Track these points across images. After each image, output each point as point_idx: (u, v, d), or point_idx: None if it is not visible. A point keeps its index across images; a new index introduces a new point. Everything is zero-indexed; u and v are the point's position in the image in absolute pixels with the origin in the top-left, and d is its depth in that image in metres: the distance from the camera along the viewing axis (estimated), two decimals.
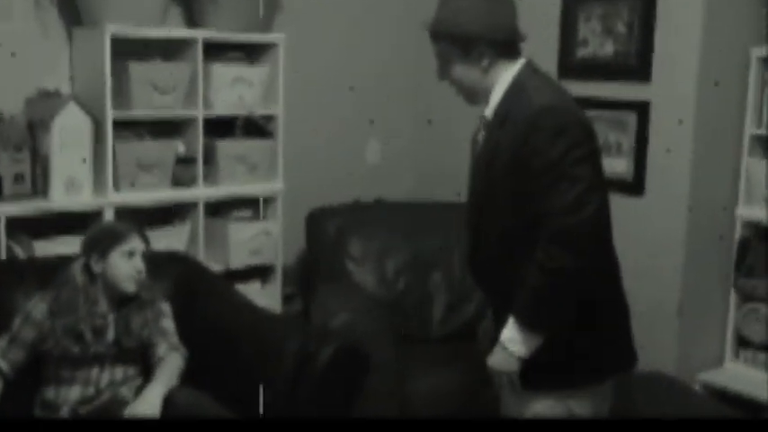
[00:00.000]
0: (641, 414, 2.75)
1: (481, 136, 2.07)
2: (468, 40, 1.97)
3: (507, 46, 2.00)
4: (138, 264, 2.45)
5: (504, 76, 2.00)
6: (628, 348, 2.10)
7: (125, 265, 2.42)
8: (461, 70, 2.01)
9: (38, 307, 2.42)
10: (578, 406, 2.02)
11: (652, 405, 2.85)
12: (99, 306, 2.42)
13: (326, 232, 3.42)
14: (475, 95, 2.05)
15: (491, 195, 2.00)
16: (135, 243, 2.46)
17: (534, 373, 1.96)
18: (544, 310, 1.92)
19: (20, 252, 2.81)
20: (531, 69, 2.03)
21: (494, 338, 2.05)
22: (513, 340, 1.94)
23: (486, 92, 2.03)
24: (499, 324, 2.04)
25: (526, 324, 1.92)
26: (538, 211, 1.90)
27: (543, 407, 2.01)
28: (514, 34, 2.02)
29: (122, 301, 2.46)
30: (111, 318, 2.44)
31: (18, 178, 2.80)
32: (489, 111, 2.03)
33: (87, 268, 2.44)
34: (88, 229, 2.57)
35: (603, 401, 2.08)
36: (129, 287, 2.44)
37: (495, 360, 1.98)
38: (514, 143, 1.93)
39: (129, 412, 2.27)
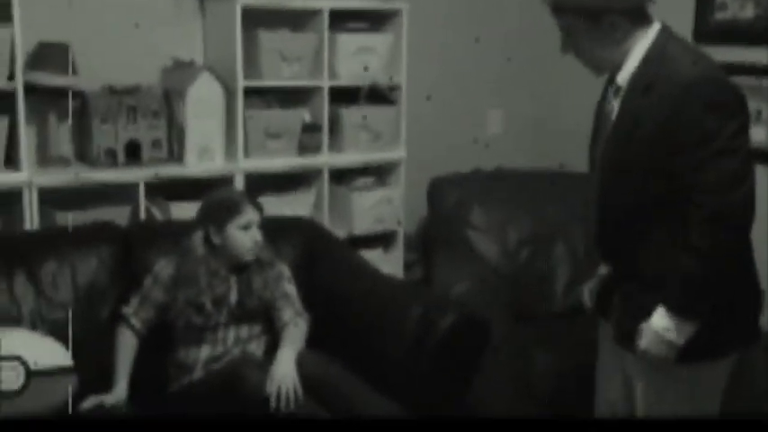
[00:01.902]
0: None
1: (613, 105, 1.99)
2: (598, 11, 1.88)
3: (638, 11, 1.91)
4: (256, 234, 2.50)
5: (641, 42, 1.91)
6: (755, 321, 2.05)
7: (243, 237, 2.48)
8: (591, 43, 1.92)
9: (165, 269, 2.52)
10: (717, 375, 2.01)
11: None
12: (220, 273, 2.50)
13: (448, 201, 3.41)
14: (607, 66, 1.97)
15: (628, 167, 1.92)
16: (250, 215, 2.50)
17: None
18: (704, 297, 1.88)
19: (157, 214, 2.95)
20: (668, 34, 1.93)
21: (607, 309, 2.08)
22: (669, 329, 1.89)
23: (619, 61, 1.94)
24: (627, 299, 2.01)
25: (685, 314, 1.88)
26: (687, 186, 1.83)
27: (688, 377, 1.97)
28: None
29: (243, 266, 2.54)
30: (232, 281, 2.52)
31: (156, 144, 2.94)
32: (623, 78, 1.95)
33: (207, 239, 2.51)
34: (203, 200, 2.60)
35: (728, 370, 2.05)
36: (249, 257, 2.51)
37: (652, 347, 1.92)
38: (663, 114, 1.84)
39: (270, 384, 2.27)
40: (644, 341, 1.93)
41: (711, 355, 1.97)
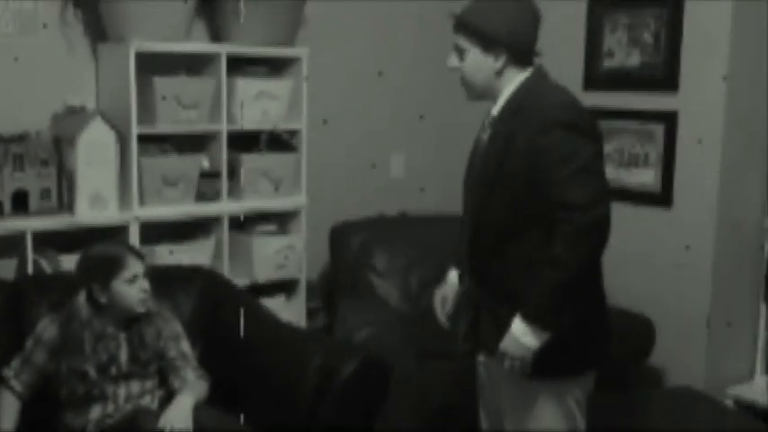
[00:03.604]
0: (672, 430, 2.70)
1: (487, 132, 2.12)
2: (492, 40, 2.03)
3: (523, 55, 2.07)
4: (143, 284, 2.40)
5: (516, 79, 2.07)
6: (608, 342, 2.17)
7: (130, 291, 2.38)
8: (476, 63, 2.06)
9: (48, 331, 2.40)
10: (576, 393, 2.10)
11: (682, 421, 2.79)
12: (107, 333, 2.39)
13: (350, 246, 3.41)
14: (479, 91, 2.10)
15: (499, 185, 2.04)
16: (134, 267, 2.39)
17: (540, 361, 2.00)
18: (558, 309, 1.96)
19: (46, 266, 2.83)
20: (541, 74, 2.10)
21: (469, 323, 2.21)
22: (525, 334, 1.97)
23: (495, 91, 2.08)
24: (489, 312, 2.10)
25: (539, 322, 1.96)
26: (552, 203, 1.94)
27: (547, 393, 2.07)
28: (533, 46, 2.08)
29: (132, 318, 2.44)
30: (122, 338, 2.42)
31: (44, 194, 2.82)
32: (496, 108, 2.10)
33: (91, 298, 2.40)
34: (80, 258, 2.46)
35: (588, 391, 2.15)
36: (140, 309, 2.41)
37: (509, 347, 2.00)
38: (531, 132, 1.98)
39: (162, 422, 2.25)
40: (504, 342, 2.01)
41: (571, 371, 2.07)
